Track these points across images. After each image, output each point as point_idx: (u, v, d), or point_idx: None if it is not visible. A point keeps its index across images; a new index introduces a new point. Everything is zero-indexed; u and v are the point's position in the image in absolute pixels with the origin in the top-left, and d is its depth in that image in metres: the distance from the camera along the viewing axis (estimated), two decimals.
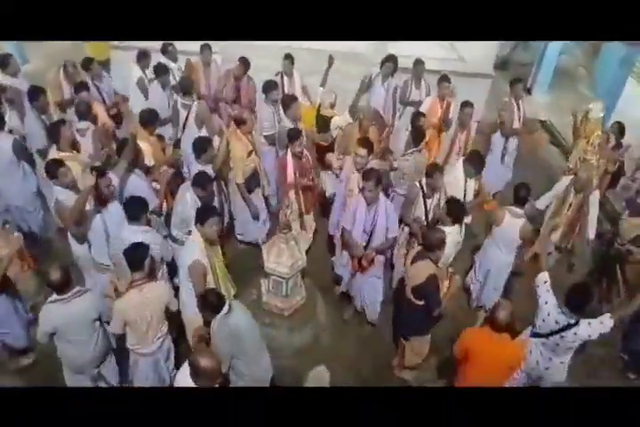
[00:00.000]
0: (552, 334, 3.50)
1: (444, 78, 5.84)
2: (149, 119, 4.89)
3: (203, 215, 3.70)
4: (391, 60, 6.06)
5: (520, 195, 4.27)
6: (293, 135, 4.70)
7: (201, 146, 4.45)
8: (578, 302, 3.41)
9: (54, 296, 3.40)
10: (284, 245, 4.25)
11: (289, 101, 5.22)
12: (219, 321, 3.24)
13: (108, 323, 3.61)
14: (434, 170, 4.37)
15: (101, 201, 4.00)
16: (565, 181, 4.86)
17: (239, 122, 4.82)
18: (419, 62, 6.12)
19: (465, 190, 4.67)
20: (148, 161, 4.69)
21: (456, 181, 4.66)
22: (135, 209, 3.84)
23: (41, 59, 8.42)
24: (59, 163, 4.04)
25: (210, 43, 6.04)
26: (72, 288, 3.43)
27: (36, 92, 5.03)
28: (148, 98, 5.87)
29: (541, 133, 8.16)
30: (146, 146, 4.69)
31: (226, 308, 3.24)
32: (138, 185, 4.36)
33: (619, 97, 7.58)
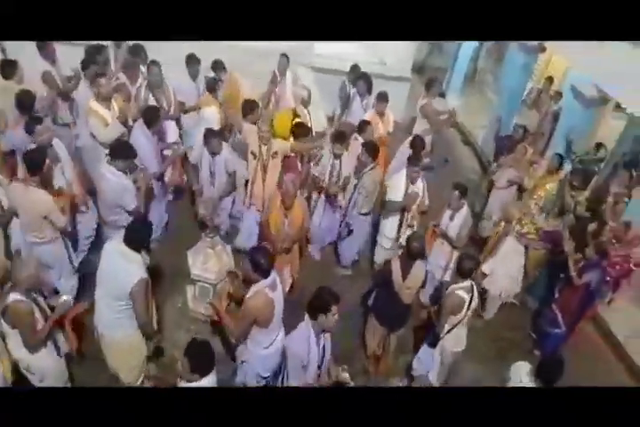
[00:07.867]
0: None
1: (382, 96, 5.83)
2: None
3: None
4: (362, 77, 6.02)
5: (465, 266, 3.67)
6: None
7: (248, 107, 4.89)
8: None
9: None
10: (211, 250, 4.19)
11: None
12: None
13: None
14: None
15: None
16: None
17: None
18: (355, 68, 6.38)
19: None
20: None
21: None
22: (121, 153, 3.90)
23: None
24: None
25: None
26: None
27: None
28: None
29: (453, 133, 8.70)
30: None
31: None
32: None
33: (520, 101, 8.24)
